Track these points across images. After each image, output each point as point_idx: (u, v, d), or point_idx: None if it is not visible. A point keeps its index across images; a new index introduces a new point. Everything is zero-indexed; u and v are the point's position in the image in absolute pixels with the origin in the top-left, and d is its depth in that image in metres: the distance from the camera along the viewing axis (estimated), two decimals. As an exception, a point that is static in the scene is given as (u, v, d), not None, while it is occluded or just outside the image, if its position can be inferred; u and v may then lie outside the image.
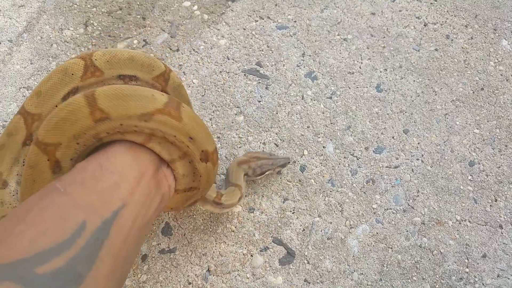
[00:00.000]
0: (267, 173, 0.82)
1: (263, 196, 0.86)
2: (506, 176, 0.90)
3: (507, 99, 1.00)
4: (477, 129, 0.96)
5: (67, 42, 1.03)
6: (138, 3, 1.09)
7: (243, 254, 0.80)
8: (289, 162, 0.85)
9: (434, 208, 0.86)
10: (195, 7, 1.09)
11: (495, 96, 1.01)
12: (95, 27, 1.06)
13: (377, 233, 0.83)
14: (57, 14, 1.07)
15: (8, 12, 1.06)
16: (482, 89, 1.01)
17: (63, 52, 1.02)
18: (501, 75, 1.03)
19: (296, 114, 0.96)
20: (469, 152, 0.93)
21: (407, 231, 0.84)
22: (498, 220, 0.86)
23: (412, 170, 0.90)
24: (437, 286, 0.79)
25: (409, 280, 0.78)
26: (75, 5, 1.08)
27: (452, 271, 0.80)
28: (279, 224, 0.83)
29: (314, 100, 0.98)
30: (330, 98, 0.99)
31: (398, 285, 0.78)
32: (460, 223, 0.85)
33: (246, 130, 0.94)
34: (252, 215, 0.84)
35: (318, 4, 1.10)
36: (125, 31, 1.06)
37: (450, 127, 0.96)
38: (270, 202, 0.86)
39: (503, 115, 0.98)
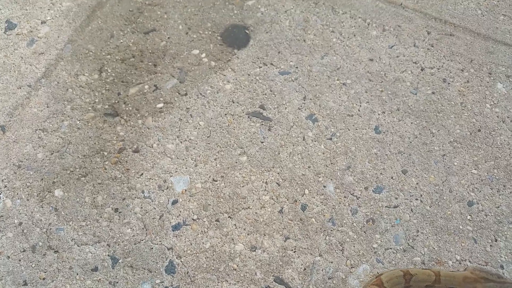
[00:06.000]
0: None
1: (264, 235, 0.88)
2: (505, 216, 0.92)
3: (504, 140, 1.03)
4: (475, 169, 0.98)
5: (82, 87, 1.10)
6: (150, 51, 1.16)
7: (245, 293, 0.81)
8: None
9: (434, 248, 0.87)
10: (203, 55, 1.16)
11: (492, 138, 1.03)
12: (109, 73, 1.13)
13: (378, 272, 0.84)
14: (73, 60, 1.15)
15: (29, 59, 1.14)
16: (479, 130, 1.05)
17: (78, 97, 1.08)
18: (497, 116, 1.07)
19: (298, 155, 1.00)
20: (468, 192, 0.95)
21: (407, 270, 0.85)
22: (499, 260, 0.86)
23: (411, 210, 0.92)
24: (438, 327, 0.79)
25: (410, 320, 0.78)
26: (91, 53, 1.15)
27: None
28: (281, 263, 0.85)
29: (315, 141, 1.02)
30: (330, 139, 1.02)
31: (398, 326, 0.78)
32: (460, 263, 0.86)
33: (249, 169, 0.98)
34: (254, 253, 0.86)
35: (319, 51, 1.16)
36: (137, 77, 1.12)
37: (448, 167, 0.98)
38: (272, 241, 0.88)
39: (500, 156, 1.00)
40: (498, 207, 0.93)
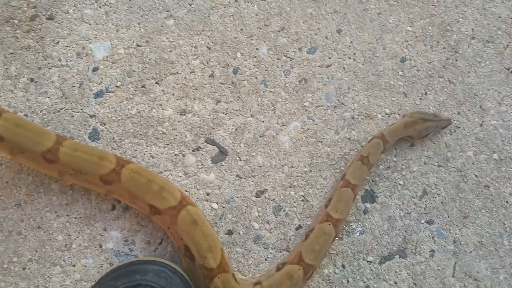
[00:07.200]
0: (429, 135, 0.83)
1: (195, 99, 0.85)
2: (436, 71, 0.92)
3: (441, -2, 1.00)
4: (410, 26, 0.96)
5: None
6: None
7: (175, 155, 0.80)
8: (450, 124, 0.85)
9: (364, 103, 0.88)
10: None
11: (429, -5, 1.00)
12: None
13: (308, 129, 0.84)
14: None
15: None
16: (418, -12, 1.00)
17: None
18: (437, -26, 1.02)
19: (229, 17, 0.93)
20: (401, 49, 0.94)
21: (337, 125, 0.85)
22: (427, 111, 0.88)
23: (344, 68, 0.91)
24: (365, 176, 0.82)
25: (338, 170, 0.81)
26: None
27: (380, 160, 0.83)
28: (212, 125, 0.83)
29: (248, 2, 0.95)
30: (264, 0, 0.95)
31: (327, 175, 0.81)
32: (389, 116, 0.87)
33: (176, 33, 0.90)
34: (184, 117, 0.83)
35: None
36: None
37: (383, 25, 0.96)
38: (203, 105, 0.84)
39: (436, 13, 0.98)
40: (430, 62, 0.93)
